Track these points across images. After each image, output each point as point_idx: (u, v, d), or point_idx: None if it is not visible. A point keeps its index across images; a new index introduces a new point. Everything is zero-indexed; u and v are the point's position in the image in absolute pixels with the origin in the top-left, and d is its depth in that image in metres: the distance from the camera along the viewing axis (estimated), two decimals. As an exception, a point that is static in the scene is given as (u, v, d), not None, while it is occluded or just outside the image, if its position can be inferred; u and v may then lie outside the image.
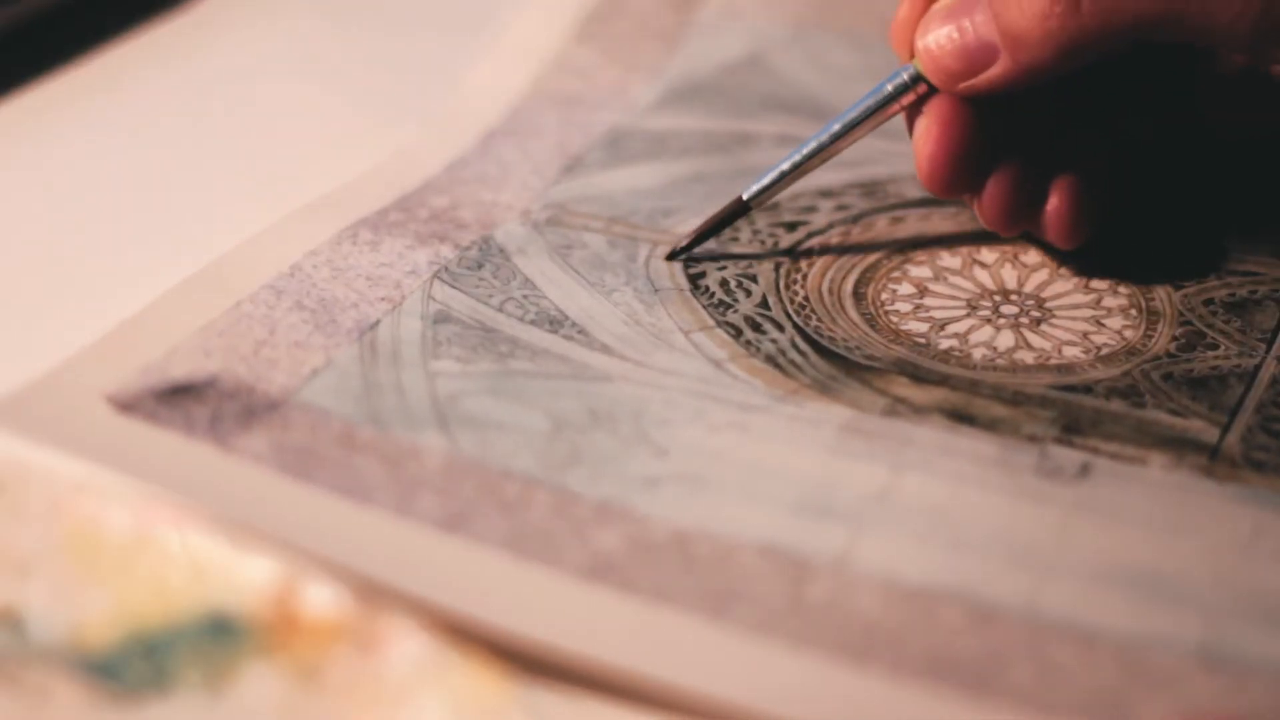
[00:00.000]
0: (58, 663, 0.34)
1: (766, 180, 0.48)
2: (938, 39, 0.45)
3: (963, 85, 0.45)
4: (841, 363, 0.44)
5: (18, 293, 0.47)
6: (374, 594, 0.35)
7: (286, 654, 0.34)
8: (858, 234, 0.50)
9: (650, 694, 0.34)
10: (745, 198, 0.48)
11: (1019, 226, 0.47)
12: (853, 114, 0.47)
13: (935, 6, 0.46)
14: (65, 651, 0.34)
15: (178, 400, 0.41)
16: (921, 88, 0.46)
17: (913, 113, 0.47)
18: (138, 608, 0.35)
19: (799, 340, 0.45)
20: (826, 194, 0.52)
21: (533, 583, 0.36)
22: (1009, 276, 0.48)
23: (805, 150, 0.47)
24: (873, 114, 0.47)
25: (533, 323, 0.45)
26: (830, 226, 0.51)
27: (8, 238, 0.50)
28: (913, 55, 0.47)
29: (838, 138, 0.47)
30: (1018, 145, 0.46)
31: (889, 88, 0.47)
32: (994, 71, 0.45)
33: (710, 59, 0.61)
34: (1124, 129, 0.48)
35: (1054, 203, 0.46)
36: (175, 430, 0.40)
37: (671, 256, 0.48)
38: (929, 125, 0.46)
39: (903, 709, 0.34)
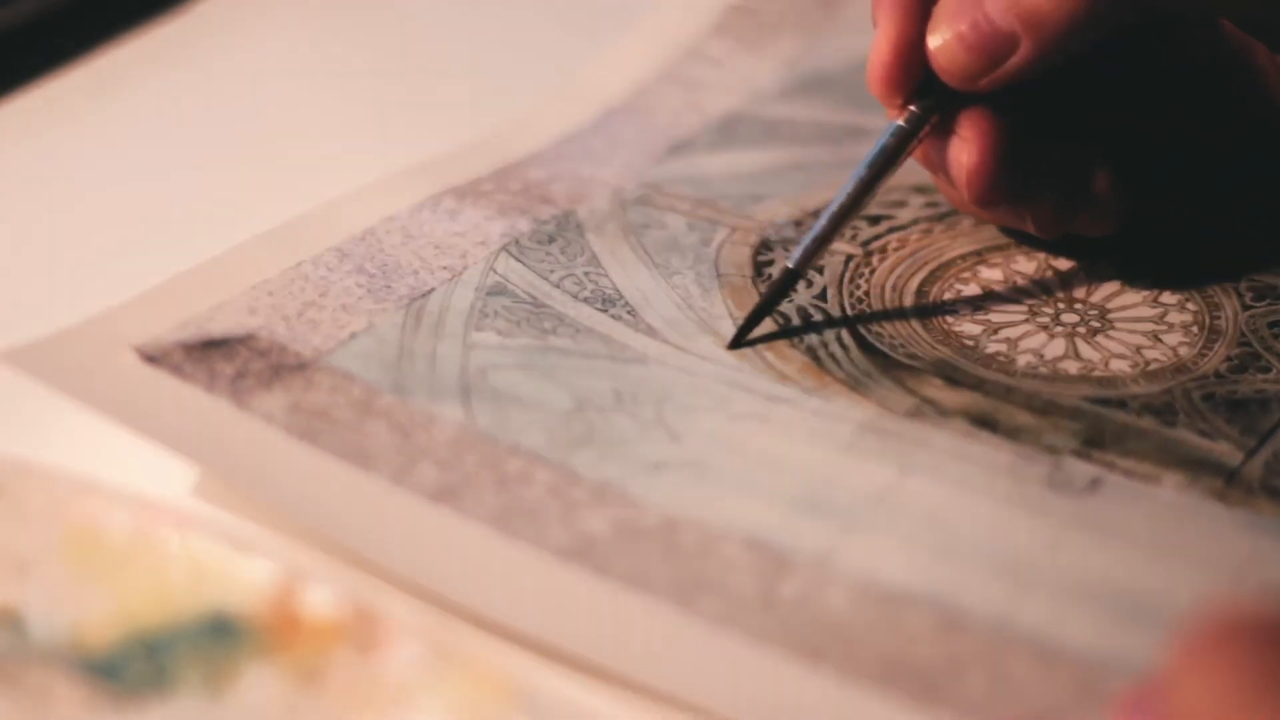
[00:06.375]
0: (58, 663, 0.34)
1: (806, 243, 0.45)
2: (952, 37, 0.44)
3: (985, 81, 0.44)
4: (881, 360, 0.44)
5: (28, 284, 0.48)
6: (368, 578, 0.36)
7: (287, 655, 0.35)
8: (940, 231, 0.50)
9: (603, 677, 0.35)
10: (791, 265, 0.45)
11: (1063, 225, 0.47)
12: (866, 170, 0.45)
13: (938, 9, 0.45)
14: (65, 651, 0.35)
15: (205, 355, 0.42)
16: (934, 118, 0.45)
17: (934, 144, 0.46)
18: (138, 608, 0.35)
19: (844, 334, 0.45)
20: (921, 190, 0.52)
21: (507, 559, 0.37)
22: (1079, 284, 0.48)
23: (834, 208, 0.45)
24: (891, 160, 0.45)
25: (585, 300, 0.46)
26: (914, 222, 0.51)
27: (21, 232, 0.51)
28: (902, 99, 0.46)
29: (858, 198, 0.45)
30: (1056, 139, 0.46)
31: (901, 123, 0.46)
32: (1016, 59, 0.44)
33: (844, 55, 0.61)
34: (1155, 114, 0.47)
35: (1099, 187, 0.46)
36: (197, 385, 0.41)
37: (733, 345, 0.45)
38: (966, 136, 0.45)
39: (842, 710, 0.34)
